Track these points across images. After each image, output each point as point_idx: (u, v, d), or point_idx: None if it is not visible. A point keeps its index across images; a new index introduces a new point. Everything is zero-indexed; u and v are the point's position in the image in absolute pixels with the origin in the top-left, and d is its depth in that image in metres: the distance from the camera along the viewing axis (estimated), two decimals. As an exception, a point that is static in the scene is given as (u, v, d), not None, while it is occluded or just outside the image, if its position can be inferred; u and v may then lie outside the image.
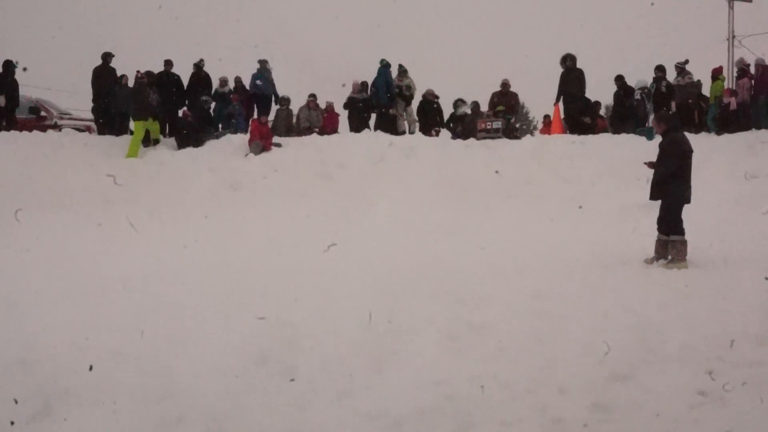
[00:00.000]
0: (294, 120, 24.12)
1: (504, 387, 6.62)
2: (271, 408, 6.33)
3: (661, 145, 12.21)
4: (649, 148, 13.16)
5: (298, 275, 11.16)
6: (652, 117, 19.52)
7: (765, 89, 20.43)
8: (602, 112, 24.62)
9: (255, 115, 23.20)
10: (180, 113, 23.11)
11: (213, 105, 23.47)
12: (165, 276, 11.25)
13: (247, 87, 24.09)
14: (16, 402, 6.12)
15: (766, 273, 10.22)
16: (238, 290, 10.41)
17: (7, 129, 21.91)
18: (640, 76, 22.81)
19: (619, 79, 22.63)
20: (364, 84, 23.87)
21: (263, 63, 23.95)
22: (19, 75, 22.71)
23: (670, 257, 11.68)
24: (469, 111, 23.57)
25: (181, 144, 21.92)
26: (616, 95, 22.72)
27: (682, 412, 5.97)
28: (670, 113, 14.68)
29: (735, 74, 22.54)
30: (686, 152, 11.87)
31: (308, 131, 23.22)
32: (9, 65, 22.52)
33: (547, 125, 24.48)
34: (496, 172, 18.91)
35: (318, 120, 23.67)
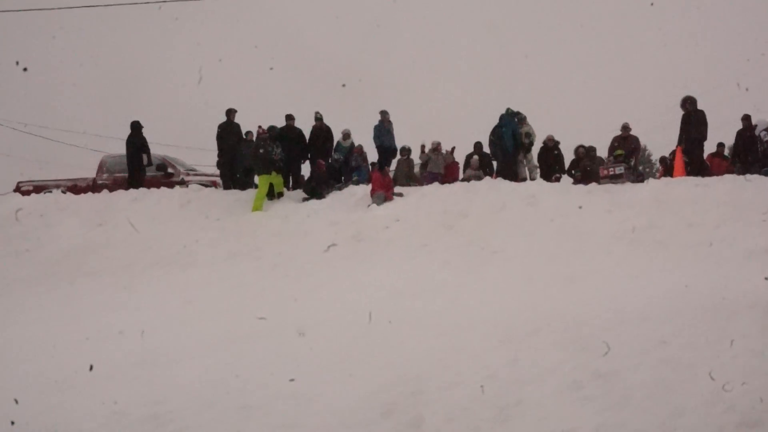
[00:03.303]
0: (416, 169, 24.36)
1: (630, 436, 6.61)
2: (398, 459, 6.42)
3: None
4: (774, 189, 12.95)
5: (422, 326, 11.25)
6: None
7: None
8: (725, 152, 24.20)
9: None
10: (315, 163, 23.48)
11: (341, 160, 23.81)
12: (290, 329, 11.46)
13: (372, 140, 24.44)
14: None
15: None
16: (363, 342, 10.55)
17: (135, 186, 22.77)
18: (762, 116, 22.42)
19: (746, 119, 22.26)
20: (478, 145, 24.12)
21: (384, 114, 24.21)
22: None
23: (799, 300, 11.45)
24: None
25: (312, 194, 22.32)
26: (741, 135, 22.35)
27: (814, 460, 5.88)
28: None
29: None
30: None
31: (428, 179, 23.42)
32: (137, 125, 23.45)
33: (666, 169, 24.17)
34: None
35: (439, 165, 23.92)
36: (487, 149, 24.30)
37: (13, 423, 6.15)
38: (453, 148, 25.11)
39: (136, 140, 23.51)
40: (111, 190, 23.01)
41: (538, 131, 24.31)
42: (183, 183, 24.55)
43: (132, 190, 22.49)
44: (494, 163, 24.45)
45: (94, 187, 24.61)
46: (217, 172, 25.04)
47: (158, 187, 23.10)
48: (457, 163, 24.59)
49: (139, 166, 23.56)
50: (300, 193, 23.12)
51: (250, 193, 22.66)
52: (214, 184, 24.87)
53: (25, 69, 23.74)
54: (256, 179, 22.88)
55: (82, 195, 22.54)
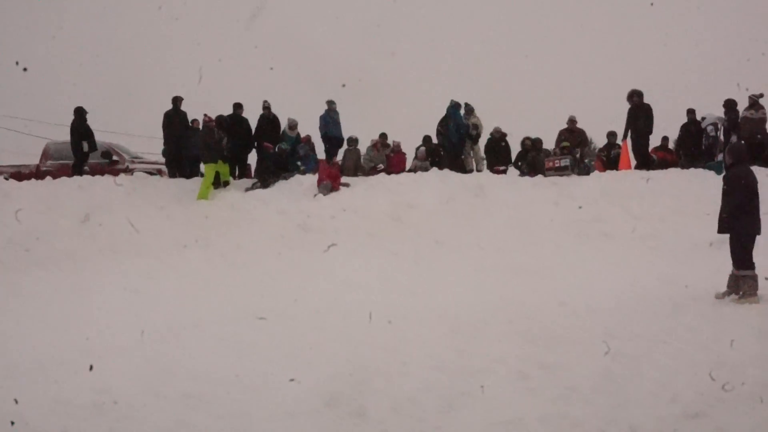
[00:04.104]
0: (362, 160, 24.30)
1: (575, 426, 6.63)
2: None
3: (724, 179, 12.18)
4: (719, 182, 13.06)
5: (368, 317, 11.23)
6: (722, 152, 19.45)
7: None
8: (670, 145, 24.37)
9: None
10: (263, 148, 23.30)
11: (287, 149, 23.62)
12: (238, 319, 11.39)
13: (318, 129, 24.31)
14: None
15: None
16: (309, 333, 10.51)
17: (80, 173, 22.48)
18: (709, 109, 22.61)
19: (690, 113, 22.46)
20: (427, 139, 24.07)
21: (330, 104, 24.11)
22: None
23: (741, 292, 11.58)
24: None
25: (264, 181, 22.27)
26: (686, 128, 22.54)
27: (756, 450, 5.93)
28: (740, 145, 14.54)
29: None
30: (751, 186, 11.79)
31: (374, 171, 23.35)
32: (81, 111, 23.10)
33: (603, 162, 24.17)
34: (580, 207, 18.80)
35: (381, 160, 23.82)
36: (436, 141, 24.28)
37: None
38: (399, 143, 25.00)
39: (80, 127, 23.16)
40: (55, 177, 22.67)
41: (491, 123, 24.36)
42: (128, 171, 24.29)
43: (77, 178, 22.16)
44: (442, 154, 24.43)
45: (37, 174, 24.26)
46: (163, 160, 24.80)
47: (103, 174, 22.83)
48: (404, 154, 24.54)
49: (83, 153, 23.21)
50: (246, 182, 23.00)
51: (196, 181, 22.48)
52: (159, 173, 24.64)
53: (25, 69, 23.22)
54: (202, 168, 22.73)
55: (26, 182, 22.20)
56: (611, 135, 23.30)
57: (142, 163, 25.92)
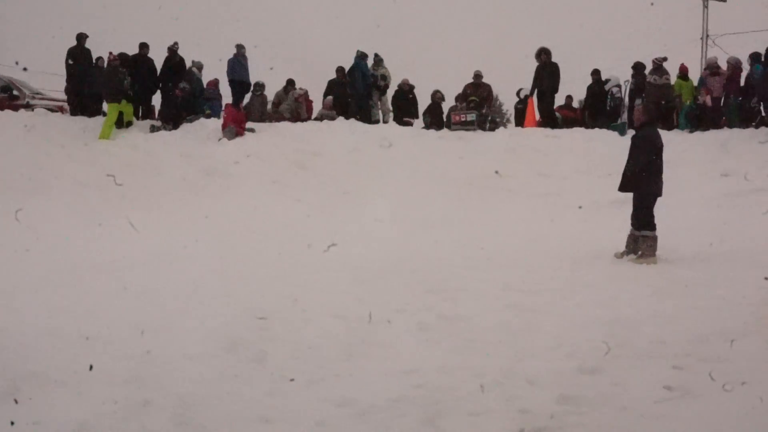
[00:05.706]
0: (269, 106, 24.05)
1: (473, 377, 6.63)
2: (241, 394, 6.32)
3: (633, 139, 12.32)
4: (622, 143, 13.24)
5: (270, 264, 11.17)
6: (625, 113, 19.79)
7: (735, 88, 20.60)
8: (575, 104, 24.62)
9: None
10: (173, 92, 22.88)
11: (187, 89, 23.22)
12: (136, 262, 11.24)
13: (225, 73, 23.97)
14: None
15: (736, 270, 10.36)
16: (211, 278, 10.42)
17: None
18: (613, 72, 22.95)
19: (596, 73, 22.72)
20: (340, 69, 23.79)
21: (240, 48, 23.80)
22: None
23: (640, 252, 11.76)
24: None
25: (172, 120, 21.89)
26: (591, 89, 22.80)
27: (648, 407, 5.98)
28: (654, 106, 14.66)
29: (704, 73, 22.38)
30: (657, 147, 11.95)
31: (280, 117, 23.12)
32: None
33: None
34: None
35: (302, 112, 23.61)
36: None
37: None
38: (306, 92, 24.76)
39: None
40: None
41: (398, 75, 24.27)
42: (28, 106, 23.64)
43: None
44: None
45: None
46: (65, 97, 24.20)
47: (2, 109, 22.20)
48: (311, 102, 24.38)
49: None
50: (149, 123, 22.59)
51: (98, 120, 21.96)
52: (60, 110, 24.03)
53: (25, 69, 22.48)
54: (105, 107, 22.26)
55: None
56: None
57: (44, 99, 25.27)
